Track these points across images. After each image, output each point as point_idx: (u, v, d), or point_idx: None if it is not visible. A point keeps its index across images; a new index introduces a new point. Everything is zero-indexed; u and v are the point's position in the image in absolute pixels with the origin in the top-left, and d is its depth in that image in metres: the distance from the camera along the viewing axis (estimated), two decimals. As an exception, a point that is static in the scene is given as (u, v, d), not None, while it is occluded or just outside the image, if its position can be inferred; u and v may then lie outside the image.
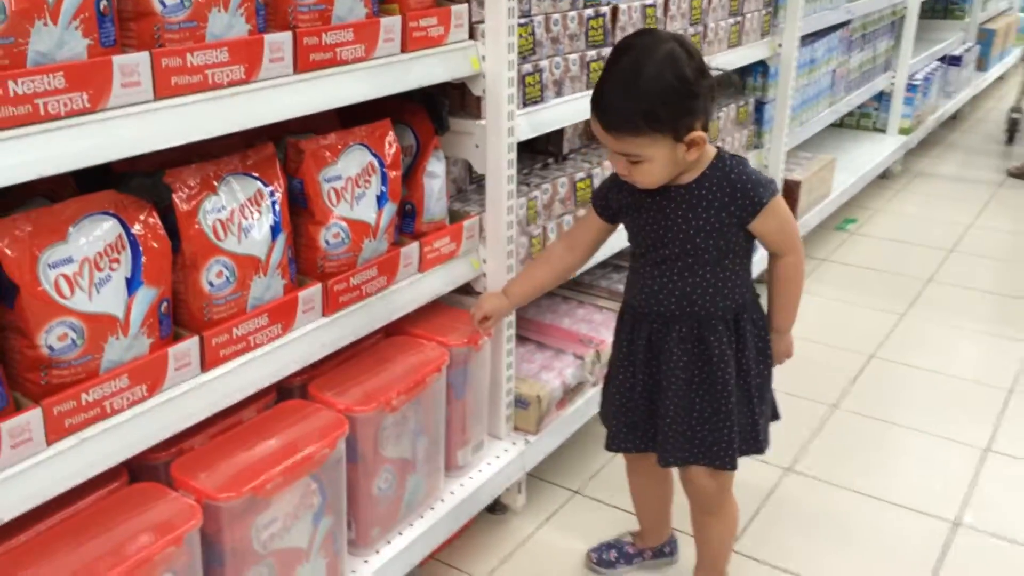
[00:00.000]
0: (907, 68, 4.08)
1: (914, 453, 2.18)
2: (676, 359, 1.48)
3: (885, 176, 4.20)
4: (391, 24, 1.45)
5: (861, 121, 4.29)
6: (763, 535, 1.89)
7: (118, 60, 1.08)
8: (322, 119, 1.50)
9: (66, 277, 1.10)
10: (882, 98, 4.16)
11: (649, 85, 1.32)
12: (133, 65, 1.10)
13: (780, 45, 2.81)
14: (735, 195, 1.41)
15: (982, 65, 5.51)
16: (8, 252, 1.04)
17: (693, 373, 1.48)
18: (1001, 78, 5.96)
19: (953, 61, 4.79)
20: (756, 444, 1.54)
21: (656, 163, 1.37)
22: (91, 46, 1.07)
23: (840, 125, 4.33)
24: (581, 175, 2.06)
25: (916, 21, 4.03)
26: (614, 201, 1.52)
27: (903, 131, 4.19)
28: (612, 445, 1.61)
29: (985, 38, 5.52)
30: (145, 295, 1.19)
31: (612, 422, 1.60)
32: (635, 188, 1.44)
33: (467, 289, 1.79)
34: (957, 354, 2.64)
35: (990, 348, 2.68)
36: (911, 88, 4.13)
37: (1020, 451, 2.17)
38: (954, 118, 5.19)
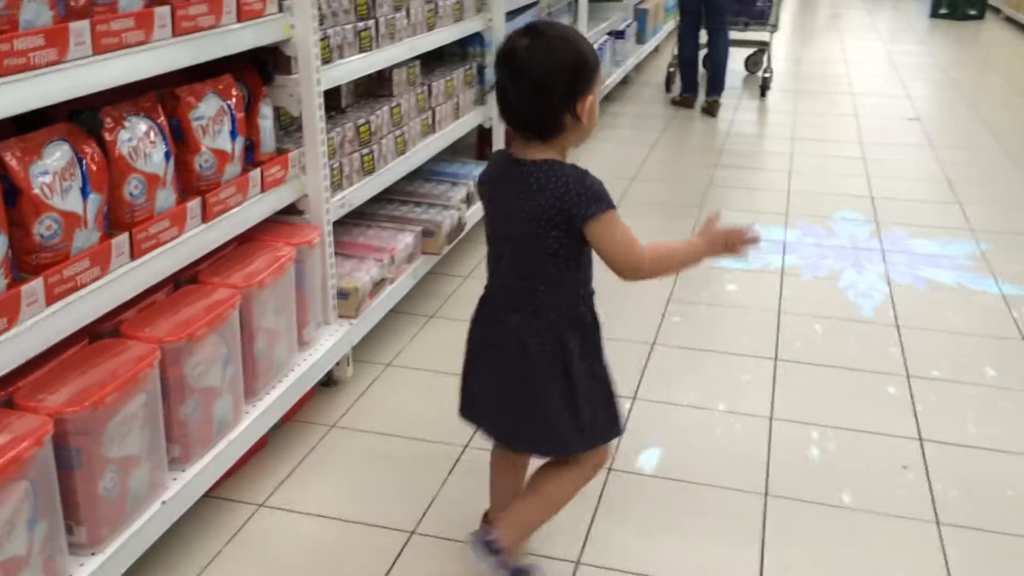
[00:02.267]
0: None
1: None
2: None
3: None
4: (229, 1, 1.95)
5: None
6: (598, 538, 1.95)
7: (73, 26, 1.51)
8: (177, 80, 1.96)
9: (47, 184, 1.51)
10: (569, 66, 5.09)
11: None
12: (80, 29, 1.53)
13: (491, 19, 3.55)
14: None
15: (640, 39, 6.73)
16: (14, 164, 1.45)
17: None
18: (656, 49, 7.26)
19: (619, 35, 5.87)
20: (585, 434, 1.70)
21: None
22: (54, 16, 1.49)
23: (539, 90, 5.22)
24: (362, 121, 2.64)
25: (587, 3, 4.99)
26: None
27: (588, 92, 5.16)
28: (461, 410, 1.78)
29: (641, 16, 6.74)
30: (94, 200, 1.61)
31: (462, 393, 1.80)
32: None
33: (292, 209, 2.31)
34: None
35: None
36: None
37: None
38: (624, 82, 6.33)
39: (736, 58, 6.74)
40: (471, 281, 3.19)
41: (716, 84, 5.84)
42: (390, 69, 2.87)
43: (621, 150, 4.87)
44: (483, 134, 3.76)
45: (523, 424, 1.65)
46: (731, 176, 4.40)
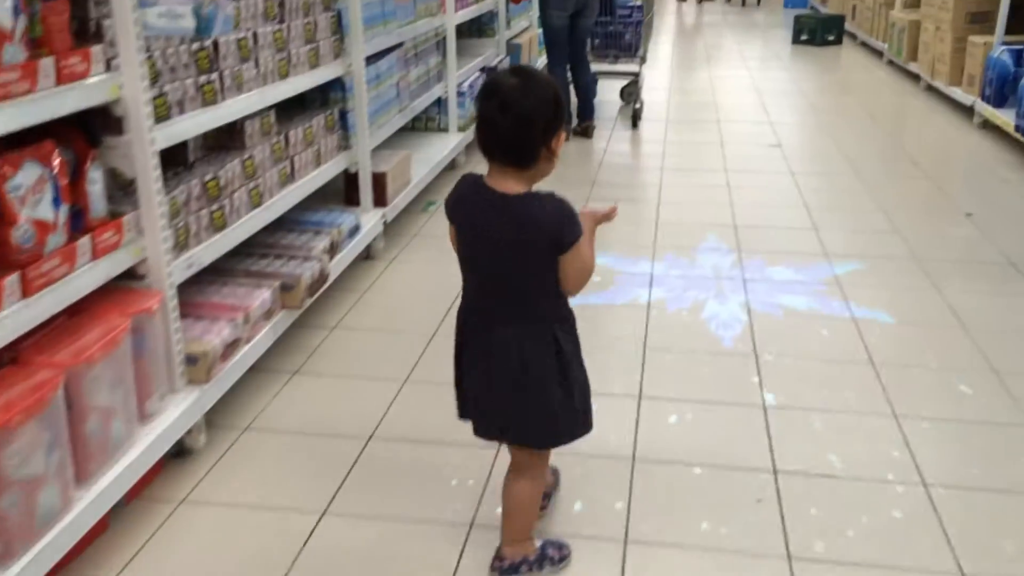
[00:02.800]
0: (455, 78, 5.06)
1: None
2: None
3: (453, 166, 5.16)
4: (47, 65, 1.85)
5: (428, 124, 5.19)
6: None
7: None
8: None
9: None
10: (440, 103, 5.10)
11: None
12: None
13: (351, 65, 3.51)
14: None
15: (515, 72, 6.80)
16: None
17: None
18: (532, 82, 7.35)
19: (491, 70, 5.93)
20: None
21: None
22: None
23: (412, 128, 5.20)
24: (209, 176, 2.55)
25: (455, 41, 5.01)
26: None
27: (461, 129, 5.17)
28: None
29: (515, 51, 6.83)
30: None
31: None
32: None
33: (133, 274, 2.21)
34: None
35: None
36: (460, 94, 5.12)
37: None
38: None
39: (612, 89, 6.93)
40: (340, 332, 3.13)
41: (586, 110, 5.97)
42: (241, 121, 2.80)
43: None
44: (350, 179, 3.71)
45: (528, 420, 1.84)
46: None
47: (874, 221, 4.31)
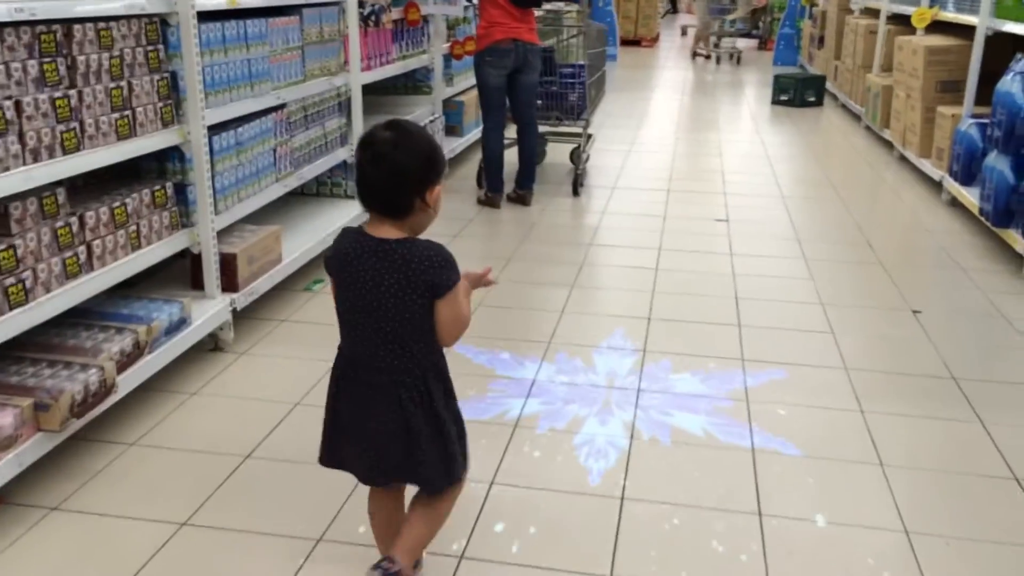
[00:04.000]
0: (362, 141, 4.62)
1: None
2: None
3: (361, 237, 4.70)
4: None
5: (333, 189, 4.75)
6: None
7: None
8: None
9: None
10: (347, 168, 4.67)
11: None
12: None
13: (189, 133, 3.07)
14: None
15: (457, 132, 6.40)
16: None
17: None
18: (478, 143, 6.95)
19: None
20: None
21: None
22: None
23: (316, 194, 4.77)
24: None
25: (360, 102, 4.58)
26: None
27: (369, 196, 4.73)
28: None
29: (457, 109, 6.42)
30: None
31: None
32: None
33: None
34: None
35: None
36: (369, 158, 4.68)
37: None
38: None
39: (561, 152, 6.51)
40: (137, 451, 2.63)
41: (526, 177, 5.52)
42: (3, 204, 2.35)
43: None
44: (196, 260, 3.25)
45: (404, 464, 1.87)
46: (508, 293, 3.99)
47: (809, 317, 3.82)
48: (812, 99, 10.02)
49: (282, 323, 3.60)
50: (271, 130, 3.72)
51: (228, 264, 3.25)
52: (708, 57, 14.59)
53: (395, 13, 5.05)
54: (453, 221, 5.04)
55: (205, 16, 3.15)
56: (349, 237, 1.84)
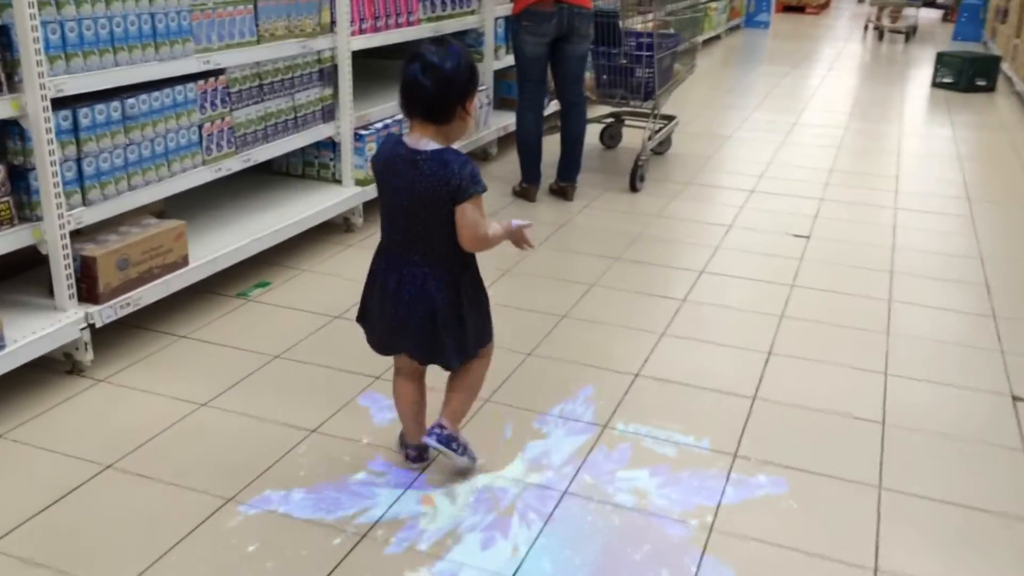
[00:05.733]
0: (351, 118, 3.90)
1: None
2: None
3: (349, 228, 4.01)
4: None
5: (320, 171, 4.07)
6: None
7: None
8: None
9: None
10: (335, 148, 3.97)
11: None
12: None
13: (26, 104, 2.44)
14: None
15: (512, 106, 5.54)
16: None
17: None
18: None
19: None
20: None
21: None
22: None
23: (301, 175, 4.10)
24: None
25: (350, 70, 3.84)
26: None
27: (361, 183, 4.01)
28: None
29: (513, 79, 5.58)
30: None
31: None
32: None
33: None
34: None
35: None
36: (359, 137, 3.96)
37: None
38: (482, 157, 5.17)
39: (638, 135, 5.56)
40: None
41: (570, 167, 4.64)
42: None
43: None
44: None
45: (436, 341, 2.13)
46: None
47: (998, 424, 2.80)
48: (982, 83, 8.44)
49: (179, 340, 2.96)
50: (193, 101, 3.06)
51: (88, 268, 2.63)
52: (880, 31, 12.81)
53: None
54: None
55: (64, -44, 2.51)
56: (390, 145, 2.09)
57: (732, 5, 12.27)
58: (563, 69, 4.45)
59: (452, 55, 2.00)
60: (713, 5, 10.93)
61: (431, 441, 2.22)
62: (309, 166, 4.07)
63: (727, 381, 2.84)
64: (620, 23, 4.78)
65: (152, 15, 2.82)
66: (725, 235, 4.22)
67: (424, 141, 2.03)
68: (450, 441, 2.23)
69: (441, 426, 2.24)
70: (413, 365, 2.25)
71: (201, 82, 3.09)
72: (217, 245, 3.20)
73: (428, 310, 2.09)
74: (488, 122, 5.12)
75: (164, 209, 3.39)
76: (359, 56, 5.29)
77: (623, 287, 3.56)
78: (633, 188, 4.82)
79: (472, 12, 4.98)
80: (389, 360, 2.84)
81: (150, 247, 2.82)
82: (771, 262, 3.91)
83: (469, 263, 2.16)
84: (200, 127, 3.11)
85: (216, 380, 2.70)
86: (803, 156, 5.80)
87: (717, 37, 11.51)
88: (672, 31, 5.26)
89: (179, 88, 2.98)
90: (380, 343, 2.24)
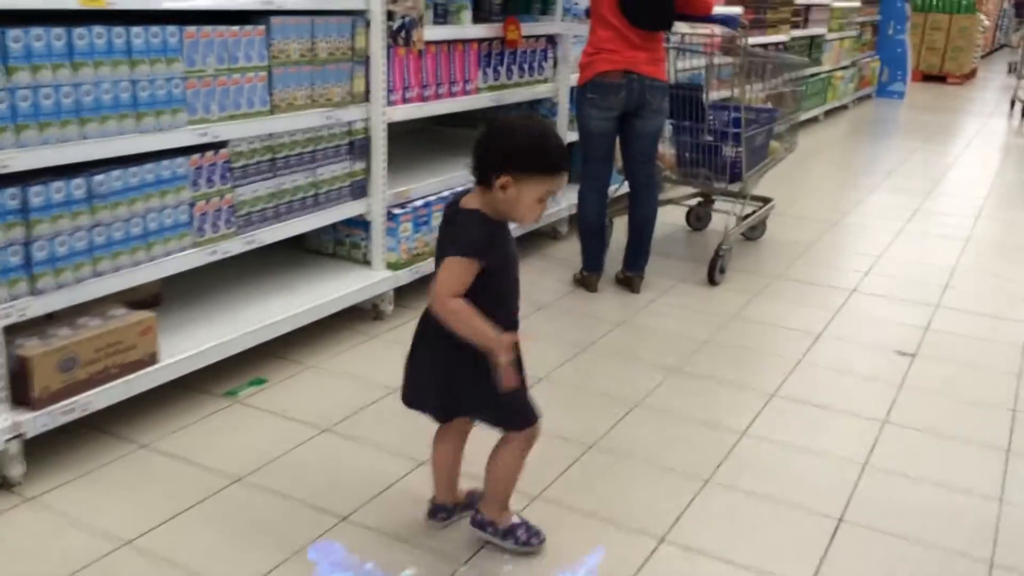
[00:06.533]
0: (385, 195, 3.52)
1: None
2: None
3: (378, 315, 3.61)
4: None
5: (351, 251, 3.69)
6: None
7: None
8: None
9: None
10: (367, 227, 3.59)
11: None
12: None
13: (-43, 183, 2.15)
14: None
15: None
16: None
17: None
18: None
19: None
20: None
21: None
22: None
23: (332, 255, 3.73)
24: None
25: (385, 143, 3.46)
26: (495, 247, 1.99)
27: (394, 266, 3.61)
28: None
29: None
30: None
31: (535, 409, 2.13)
32: (502, 231, 2.03)
33: None
34: None
35: None
36: (393, 217, 3.57)
37: None
38: (551, 237, 4.72)
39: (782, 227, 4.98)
40: None
41: (639, 256, 4.12)
42: None
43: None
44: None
45: (452, 389, 2.09)
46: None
47: None
48: None
49: (138, 450, 2.58)
50: (184, 177, 2.74)
51: (23, 370, 2.30)
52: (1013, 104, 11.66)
53: (436, 31, 3.82)
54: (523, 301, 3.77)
55: (16, 17, 2.23)
56: (449, 204, 2.08)
57: (862, 74, 11.48)
58: (633, 147, 3.96)
59: (514, 123, 2.01)
60: (839, 73, 10.22)
61: (471, 525, 2.25)
62: (340, 245, 3.70)
63: (782, 561, 2.24)
64: (703, 96, 4.27)
65: (134, 82, 2.52)
66: (811, 347, 3.58)
67: (468, 199, 2.02)
68: (483, 527, 2.22)
69: (478, 510, 2.24)
70: (450, 423, 2.21)
71: (196, 156, 2.77)
72: (203, 338, 2.84)
73: (440, 355, 2.06)
74: (556, 198, 4.67)
75: (160, 292, 3.08)
76: (429, 123, 4.97)
77: (672, 409, 2.99)
78: (712, 281, 4.24)
79: (544, 81, 4.57)
80: (361, 498, 2.42)
81: (106, 343, 2.48)
82: (863, 388, 3.25)
83: (506, 327, 2.04)
84: (192, 205, 2.78)
85: (157, 508, 2.30)
86: (922, 250, 5.06)
87: (844, 107, 10.75)
88: (769, 105, 4.70)
89: (165, 163, 2.66)
90: (405, 397, 2.19)
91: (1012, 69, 15.76)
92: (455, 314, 1.95)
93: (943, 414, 3.07)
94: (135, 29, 2.50)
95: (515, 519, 2.23)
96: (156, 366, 2.64)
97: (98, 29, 2.40)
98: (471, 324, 1.95)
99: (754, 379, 3.26)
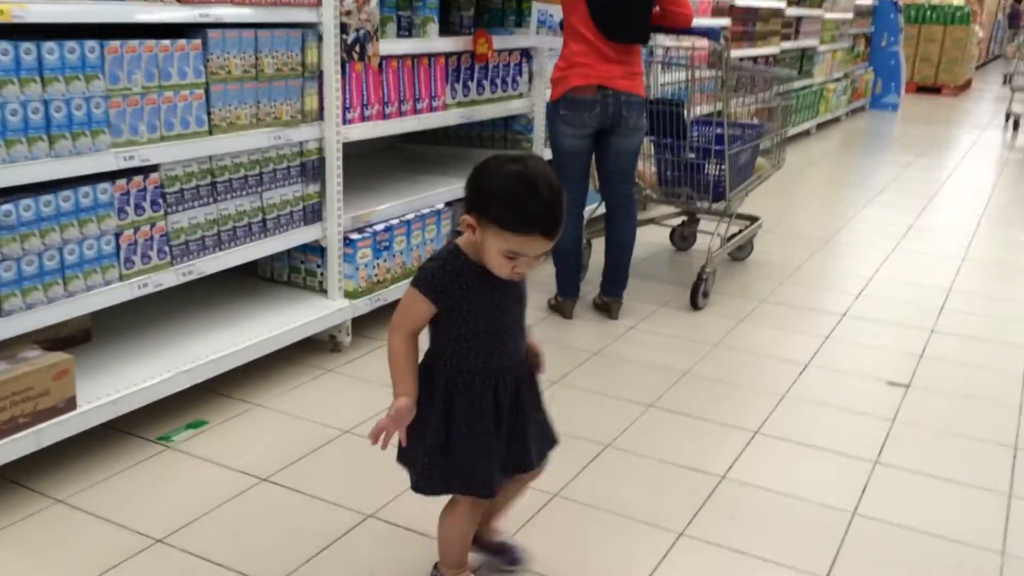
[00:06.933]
0: (339, 219, 3.29)
1: None
2: (526, 395, 1.89)
3: (336, 347, 3.37)
4: None
5: (307, 279, 3.46)
6: None
7: None
8: None
9: None
10: (323, 253, 3.36)
11: (559, 187, 1.70)
12: None
13: None
14: None
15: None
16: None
17: (520, 398, 1.88)
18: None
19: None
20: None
21: None
22: None
23: (287, 282, 3.50)
24: None
25: (339, 165, 3.24)
26: (455, 290, 1.78)
27: (351, 295, 3.38)
28: (496, 488, 1.90)
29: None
30: None
31: (493, 475, 1.87)
32: (476, 276, 1.77)
33: None
34: None
35: None
36: (349, 243, 3.34)
37: None
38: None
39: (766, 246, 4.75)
40: None
41: (617, 280, 3.88)
42: None
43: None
44: None
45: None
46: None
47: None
48: None
49: (53, 505, 2.33)
50: (108, 205, 2.51)
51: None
52: (1017, 121, 11.40)
53: (400, 45, 3.61)
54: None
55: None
56: None
57: (855, 86, 11.30)
58: (609, 166, 3.73)
59: (505, 163, 1.73)
60: (831, 86, 10.03)
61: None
62: (296, 272, 3.47)
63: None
64: (684, 112, 4.05)
65: (46, 103, 2.29)
66: (798, 378, 3.34)
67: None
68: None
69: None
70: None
71: (122, 181, 2.54)
72: (133, 378, 2.61)
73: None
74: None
75: (90, 328, 2.85)
76: (399, 140, 4.78)
77: (645, 452, 2.75)
78: (695, 306, 4.01)
79: (519, 96, 4.35)
80: (297, 560, 2.19)
81: (14, 391, 2.23)
82: (852, 423, 3.01)
83: (448, 365, 1.85)
84: (117, 235, 2.55)
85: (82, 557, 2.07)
86: (916, 269, 4.83)
87: (836, 120, 10.56)
88: (755, 121, 4.49)
89: (85, 189, 2.43)
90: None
91: (1007, 80, 15.59)
92: (389, 351, 1.81)
93: (938, 453, 2.83)
94: (48, 44, 2.28)
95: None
96: (73, 412, 2.39)
97: (3, 45, 2.19)
98: (392, 370, 1.80)
99: (736, 415, 3.02)
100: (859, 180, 7.39)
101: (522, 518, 2.34)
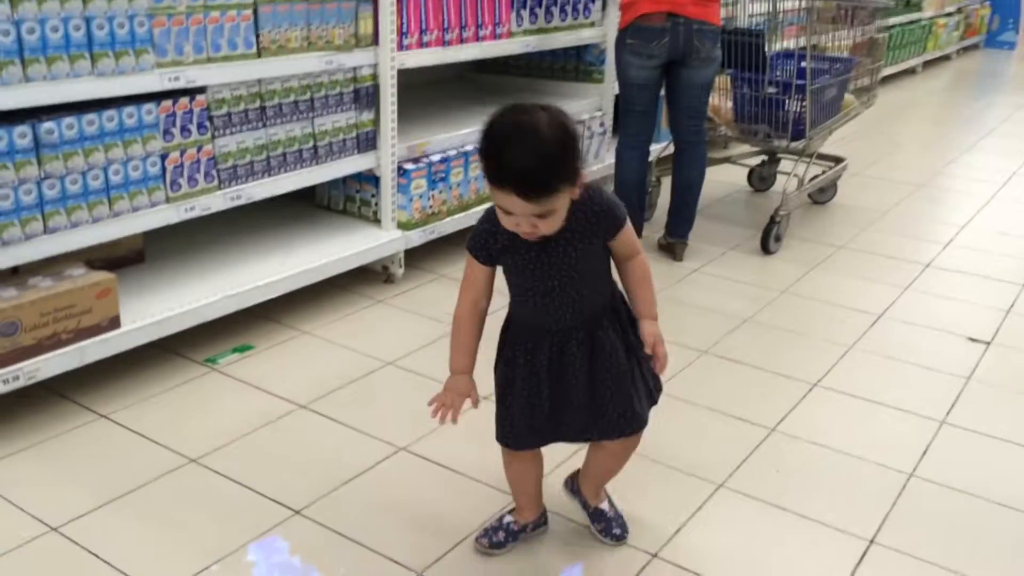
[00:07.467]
0: (393, 148, 3.22)
1: None
2: (579, 362, 1.77)
3: (390, 278, 3.34)
4: None
5: (362, 209, 3.42)
6: None
7: None
8: None
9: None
10: (377, 182, 3.30)
11: (555, 147, 1.54)
12: None
13: None
14: (600, 220, 1.70)
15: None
16: None
17: (591, 365, 1.78)
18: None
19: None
20: (653, 397, 1.89)
21: (561, 211, 1.60)
22: None
23: (342, 211, 3.47)
24: None
25: (394, 91, 3.14)
26: (493, 248, 1.72)
27: (404, 226, 3.32)
28: (517, 445, 1.87)
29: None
30: None
31: (516, 430, 1.84)
32: (510, 233, 1.65)
33: None
34: None
35: None
36: (404, 172, 3.27)
37: None
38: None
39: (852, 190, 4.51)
40: None
41: (683, 220, 3.72)
42: None
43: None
44: None
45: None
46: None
47: None
48: None
49: (96, 421, 2.38)
50: (153, 126, 2.49)
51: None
52: None
53: None
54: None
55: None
56: None
57: (969, 21, 10.53)
58: (679, 100, 3.54)
59: (504, 110, 1.62)
60: (941, 20, 9.36)
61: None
62: (350, 200, 3.44)
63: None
64: (765, 43, 3.80)
65: (87, 20, 2.27)
66: (869, 329, 3.15)
67: None
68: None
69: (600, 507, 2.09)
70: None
71: (168, 103, 2.52)
72: (180, 300, 2.63)
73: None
74: (600, 154, 4.29)
75: (143, 249, 2.88)
76: (466, 68, 4.68)
77: (693, 399, 2.63)
78: (765, 250, 3.82)
79: (590, 24, 4.17)
80: (321, 490, 2.18)
81: (56, 307, 2.27)
82: (922, 379, 2.83)
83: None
84: (163, 157, 2.54)
85: (95, 490, 2.10)
86: (1014, 219, 4.49)
87: (946, 58, 9.88)
88: (846, 55, 4.19)
89: (129, 110, 2.42)
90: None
91: None
92: (452, 321, 1.82)
93: (1012, 417, 2.63)
94: (84, -41, 2.26)
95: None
96: (117, 331, 2.43)
97: (38, -42, 2.17)
98: (451, 342, 1.82)
99: (795, 366, 2.87)
100: (964, 123, 6.91)
101: (558, 458, 2.28)
